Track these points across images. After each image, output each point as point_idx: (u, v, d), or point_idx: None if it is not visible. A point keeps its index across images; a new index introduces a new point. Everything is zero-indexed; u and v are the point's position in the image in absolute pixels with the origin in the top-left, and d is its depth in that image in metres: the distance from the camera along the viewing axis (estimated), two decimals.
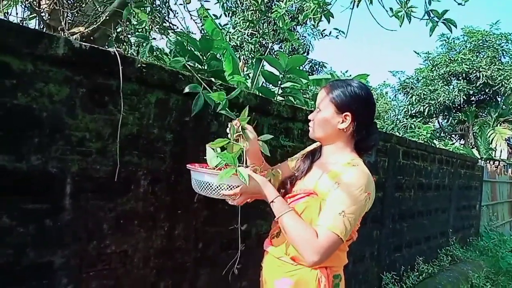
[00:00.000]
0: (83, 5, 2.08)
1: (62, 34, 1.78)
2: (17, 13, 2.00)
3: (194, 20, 2.08)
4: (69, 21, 1.98)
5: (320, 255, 1.17)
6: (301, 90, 3.06)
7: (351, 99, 1.32)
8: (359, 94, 1.33)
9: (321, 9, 3.33)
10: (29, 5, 1.90)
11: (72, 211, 1.31)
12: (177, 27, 2.25)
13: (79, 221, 1.33)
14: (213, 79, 1.83)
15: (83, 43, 1.29)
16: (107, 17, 1.82)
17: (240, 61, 4.41)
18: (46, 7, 1.98)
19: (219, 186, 1.20)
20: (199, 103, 1.57)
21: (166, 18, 2.45)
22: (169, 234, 1.65)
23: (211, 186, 1.21)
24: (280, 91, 3.04)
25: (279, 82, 2.99)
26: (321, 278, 1.26)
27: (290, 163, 1.55)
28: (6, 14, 2.04)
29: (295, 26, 12.56)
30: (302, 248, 1.19)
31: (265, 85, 3.47)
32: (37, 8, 1.93)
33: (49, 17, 2.03)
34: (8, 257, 1.16)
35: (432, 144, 7.50)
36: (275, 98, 2.93)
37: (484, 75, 15.74)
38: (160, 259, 1.63)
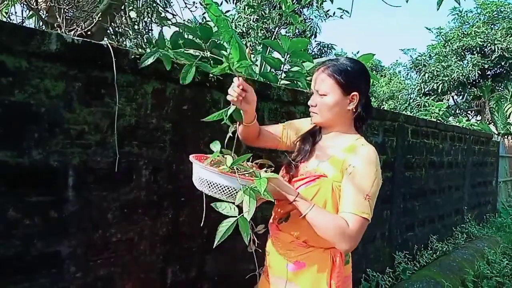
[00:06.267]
0: (79, 1, 2.10)
1: (59, 31, 1.81)
2: (16, 12, 2.03)
3: (189, 9, 2.07)
4: (66, 17, 2.00)
5: (355, 241, 1.19)
6: (306, 73, 3.03)
7: (355, 77, 1.29)
8: (359, 70, 1.31)
9: None
10: (26, 3, 1.93)
11: (75, 202, 1.35)
12: (175, 17, 2.25)
13: (83, 212, 1.38)
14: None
15: (75, 38, 1.31)
16: (102, 13, 1.83)
17: (246, 48, 4.37)
18: (43, 5, 2.01)
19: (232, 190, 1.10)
20: (190, 73, 1.49)
21: (164, 8, 2.45)
22: (174, 221, 1.69)
23: (225, 190, 1.10)
24: (284, 75, 3.02)
25: (282, 66, 2.97)
26: (335, 257, 1.30)
27: (282, 129, 1.51)
28: (5, 14, 2.08)
29: (301, 9, 12.37)
30: (337, 239, 1.18)
31: (273, 71, 3.44)
32: (34, 6, 1.96)
33: (47, 14, 2.06)
34: (17, 248, 1.22)
35: (446, 122, 7.37)
36: (279, 82, 2.92)
37: (499, 48, 15.23)
38: (166, 245, 1.67)
